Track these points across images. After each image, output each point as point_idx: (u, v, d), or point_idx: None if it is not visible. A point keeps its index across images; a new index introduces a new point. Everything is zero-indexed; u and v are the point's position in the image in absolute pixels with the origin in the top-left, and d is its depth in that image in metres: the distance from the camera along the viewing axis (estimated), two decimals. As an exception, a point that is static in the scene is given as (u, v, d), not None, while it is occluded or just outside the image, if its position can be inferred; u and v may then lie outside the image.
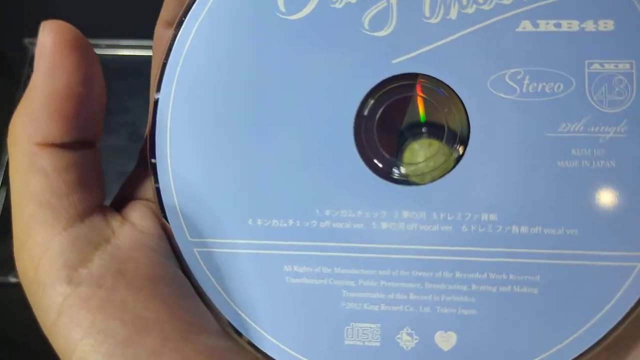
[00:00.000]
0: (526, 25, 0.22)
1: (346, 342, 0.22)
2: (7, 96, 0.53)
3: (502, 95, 0.22)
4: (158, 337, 0.20)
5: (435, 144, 0.23)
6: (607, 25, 0.22)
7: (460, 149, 0.22)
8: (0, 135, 0.53)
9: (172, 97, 0.23)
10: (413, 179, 0.23)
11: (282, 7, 0.23)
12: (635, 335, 0.21)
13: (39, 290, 0.20)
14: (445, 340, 0.21)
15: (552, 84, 0.22)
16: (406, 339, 0.21)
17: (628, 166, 0.21)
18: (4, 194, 0.49)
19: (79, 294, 0.19)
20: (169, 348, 0.19)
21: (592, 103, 0.21)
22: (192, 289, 0.22)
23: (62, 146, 0.20)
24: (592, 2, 0.22)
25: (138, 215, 0.22)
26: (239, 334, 0.22)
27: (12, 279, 0.48)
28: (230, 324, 0.22)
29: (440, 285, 0.21)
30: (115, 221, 0.21)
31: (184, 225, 0.22)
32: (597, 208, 0.21)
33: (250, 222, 0.22)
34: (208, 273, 0.22)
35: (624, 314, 0.21)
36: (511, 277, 0.21)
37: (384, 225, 0.22)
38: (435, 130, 0.23)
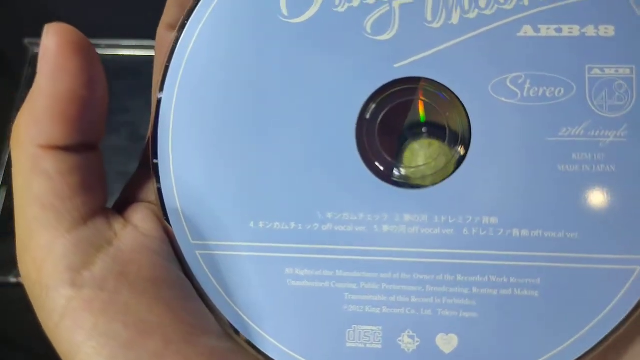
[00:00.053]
0: (527, 30, 0.22)
1: (348, 345, 0.22)
2: (7, 96, 0.53)
3: (503, 99, 0.22)
4: (160, 339, 0.20)
5: (435, 144, 0.24)
6: (608, 30, 0.22)
7: (461, 150, 0.23)
8: (0, 135, 0.54)
9: (174, 100, 0.23)
10: (414, 182, 0.23)
11: (284, 11, 0.23)
12: (633, 334, 0.21)
13: (42, 292, 0.20)
14: (447, 342, 0.21)
15: (552, 88, 0.22)
16: (407, 342, 0.22)
17: (628, 170, 0.21)
18: (4, 194, 0.49)
19: (82, 297, 0.20)
20: (171, 351, 0.20)
21: (593, 108, 0.22)
22: (194, 291, 0.22)
23: (66, 149, 0.21)
24: (593, 7, 0.22)
25: (140, 217, 0.22)
26: (241, 336, 0.22)
27: (12, 279, 0.48)
28: (232, 326, 0.22)
29: (441, 288, 0.22)
30: (117, 224, 0.21)
31: (186, 228, 0.22)
32: (597, 212, 0.21)
33: (252, 224, 0.22)
34: (210, 275, 0.22)
35: (623, 316, 0.21)
36: (512, 280, 0.21)
37: (386, 228, 0.22)
38: (437, 131, 0.23)
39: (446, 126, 0.23)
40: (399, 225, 0.22)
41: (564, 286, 0.21)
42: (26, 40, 0.56)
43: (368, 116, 0.23)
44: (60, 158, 0.20)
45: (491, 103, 0.22)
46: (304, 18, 0.23)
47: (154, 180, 0.23)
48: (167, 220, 0.22)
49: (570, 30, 0.22)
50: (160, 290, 0.21)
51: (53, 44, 0.20)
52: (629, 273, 0.21)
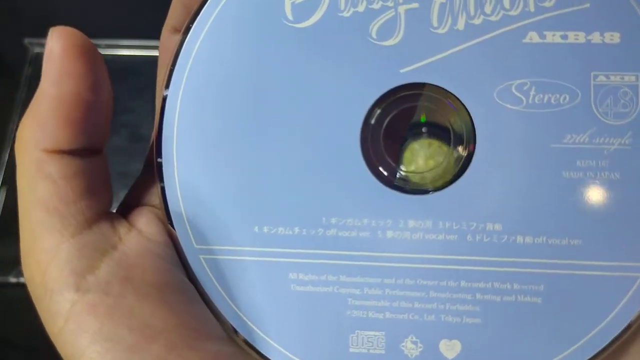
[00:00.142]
0: (533, 37, 0.22)
1: (351, 350, 0.22)
2: (7, 96, 0.53)
3: (508, 105, 0.22)
4: (164, 344, 0.20)
5: (435, 144, 0.24)
6: (614, 37, 0.22)
7: (460, 149, 0.23)
8: (0, 135, 0.54)
9: (178, 104, 0.23)
10: (413, 181, 0.23)
11: (289, 15, 0.23)
12: (636, 341, 0.21)
13: (46, 296, 0.20)
14: (450, 348, 0.21)
15: (557, 95, 0.22)
16: (411, 347, 0.22)
17: (632, 178, 0.21)
18: (4, 194, 0.49)
19: (87, 301, 0.19)
20: (175, 355, 0.20)
21: (598, 115, 0.22)
22: (198, 296, 0.22)
23: (70, 153, 0.21)
24: (598, 14, 0.22)
25: (144, 221, 0.22)
26: (244, 340, 0.22)
27: (12, 279, 0.48)
28: (235, 330, 0.22)
29: (445, 294, 0.22)
30: (122, 228, 0.21)
31: (190, 232, 0.22)
32: (601, 219, 0.21)
33: (256, 229, 0.22)
34: (214, 280, 0.22)
35: (627, 323, 0.21)
36: (515, 286, 0.21)
37: (390, 234, 0.22)
38: (441, 133, 0.24)
39: (450, 128, 0.23)
40: (403, 231, 0.22)
41: (567, 293, 0.21)
42: (26, 40, 0.56)
43: (373, 121, 0.23)
44: (65, 162, 0.20)
45: (496, 109, 0.22)
46: (309, 23, 0.23)
47: (158, 185, 0.23)
48: (171, 224, 0.22)
49: (576, 36, 0.22)
50: (164, 295, 0.20)
51: (58, 48, 0.20)
52: (632, 280, 0.21)
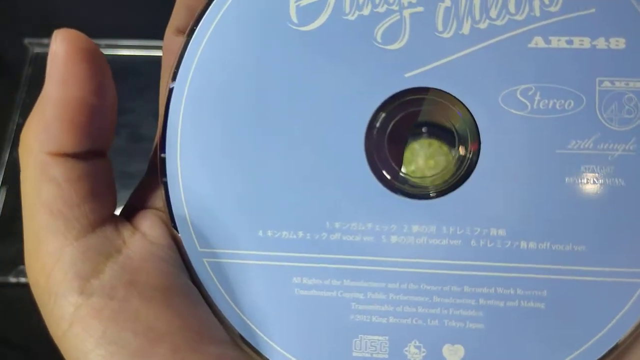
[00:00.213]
0: (538, 42, 0.22)
1: (354, 354, 0.22)
2: (7, 96, 0.53)
3: (513, 111, 0.22)
4: (169, 347, 0.20)
5: (435, 144, 0.24)
6: (619, 43, 0.22)
7: (462, 150, 0.23)
8: (0, 135, 0.54)
9: (182, 106, 0.23)
10: (414, 181, 0.23)
11: (294, 18, 0.23)
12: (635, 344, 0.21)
13: (51, 299, 0.20)
14: (453, 353, 0.21)
15: (562, 100, 0.22)
16: (414, 352, 0.22)
17: (636, 184, 0.21)
18: (4, 194, 0.49)
19: (91, 305, 0.19)
20: (179, 358, 0.20)
21: (602, 121, 0.22)
22: (202, 299, 0.22)
23: (74, 156, 0.20)
24: (604, 19, 0.22)
25: (148, 224, 0.22)
26: (248, 344, 0.22)
27: (12, 279, 0.48)
28: (238, 333, 0.22)
29: (448, 299, 0.22)
30: (126, 231, 0.21)
31: (193, 236, 0.22)
32: (605, 225, 0.21)
33: (260, 233, 0.22)
34: (217, 283, 0.22)
35: (630, 328, 0.21)
36: (519, 291, 0.21)
37: (394, 238, 0.22)
38: (441, 134, 0.24)
39: (453, 130, 0.23)
40: (407, 235, 0.22)
41: (570, 298, 0.21)
42: (26, 40, 0.55)
43: (377, 126, 0.23)
44: (69, 165, 0.20)
45: (501, 115, 0.22)
46: (314, 26, 0.23)
47: (162, 188, 0.23)
48: (175, 227, 0.22)
49: (581, 42, 0.22)
50: (168, 298, 0.20)
51: (62, 51, 0.20)
52: (635, 286, 0.21)
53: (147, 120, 0.53)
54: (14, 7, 0.56)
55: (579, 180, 0.21)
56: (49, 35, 0.58)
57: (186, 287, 0.21)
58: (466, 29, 0.22)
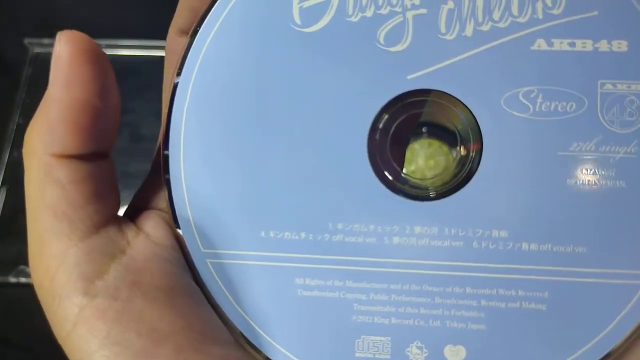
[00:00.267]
0: (541, 44, 0.22)
1: (357, 355, 0.22)
2: (7, 96, 0.53)
3: (515, 113, 0.22)
4: (172, 348, 0.20)
5: (435, 144, 0.24)
6: (621, 45, 0.22)
7: (462, 150, 0.23)
8: (0, 135, 0.54)
9: (185, 107, 0.23)
10: (416, 183, 0.23)
11: (297, 20, 0.23)
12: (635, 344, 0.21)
13: (55, 301, 0.20)
14: (455, 354, 0.22)
15: (564, 103, 0.22)
16: (416, 352, 0.22)
17: (638, 186, 0.21)
18: (4, 194, 0.49)
19: (95, 306, 0.20)
20: (182, 359, 0.20)
21: (604, 123, 0.22)
22: (205, 299, 0.22)
23: (79, 157, 0.21)
24: (606, 22, 0.22)
25: (152, 225, 0.22)
26: (251, 344, 0.22)
27: (12, 279, 0.48)
28: (242, 334, 0.22)
29: (450, 300, 0.22)
30: (130, 232, 0.21)
31: (196, 236, 0.22)
32: (606, 227, 0.21)
33: (262, 234, 0.22)
34: (220, 284, 0.22)
35: (630, 329, 0.21)
36: (520, 293, 0.21)
37: (396, 240, 0.22)
38: (442, 134, 0.24)
39: (456, 132, 0.23)
40: (409, 237, 0.22)
41: (571, 300, 0.21)
42: (26, 40, 0.55)
43: (380, 127, 0.23)
44: (73, 167, 0.20)
45: (503, 117, 0.22)
46: (316, 27, 0.23)
47: (165, 189, 0.23)
48: (178, 228, 0.22)
49: (584, 44, 0.22)
50: (172, 299, 0.21)
51: (65, 52, 0.20)
52: (636, 288, 0.21)
53: (147, 120, 0.53)
54: (14, 7, 0.56)
55: (581, 182, 0.22)
56: (49, 35, 0.58)
57: (189, 288, 0.21)
58: (469, 31, 0.22)
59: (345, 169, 0.22)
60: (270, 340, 0.22)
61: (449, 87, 0.22)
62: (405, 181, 0.23)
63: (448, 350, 0.22)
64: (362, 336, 0.22)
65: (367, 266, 0.22)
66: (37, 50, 0.56)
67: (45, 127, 0.20)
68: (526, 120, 0.22)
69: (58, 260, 0.20)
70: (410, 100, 0.23)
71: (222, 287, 0.22)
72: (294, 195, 0.22)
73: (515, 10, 0.22)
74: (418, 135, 0.24)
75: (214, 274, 0.22)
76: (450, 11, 0.22)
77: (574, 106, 0.22)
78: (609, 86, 0.22)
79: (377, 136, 0.23)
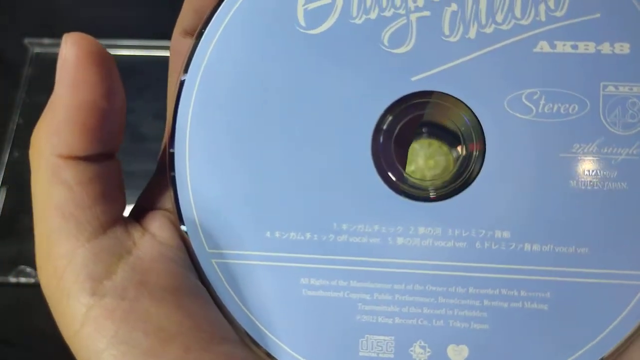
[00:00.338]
0: (544, 46, 0.22)
1: (361, 354, 0.22)
2: (7, 96, 0.53)
3: (518, 115, 0.22)
4: (180, 347, 0.20)
5: (435, 144, 0.24)
6: (623, 48, 0.22)
7: (460, 149, 0.23)
8: (0, 135, 0.54)
9: (191, 108, 0.23)
10: (420, 184, 0.23)
11: (302, 22, 0.23)
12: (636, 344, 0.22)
13: (63, 300, 0.20)
14: (458, 353, 0.22)
15: (567, 105, 0.22)
16: (419, 352, 0.22)
17: (639, 187, 0.22)
18: (4, 194, 0.49)
19: (103, 306, 0.20)
20: (191, 358, 0.20)
21: (606, 125, 0.22)
22: (211, 299, 0.22)
23: (85, 159, 0.21)
24: (609, 24, 0.22)
25: (158, 225, 0.22)
26: (256, 343, 0.22)
27: (12, 279, 0.48)
28: (247, 333, 0.22)
29: (453, 300, 0.22)
30: (136, 232, 0.22)
31: (202, 237, 0.22)
32: (608, 228, 0.22)
33: (268, 234, 0.22)
34: (226, 284, 0.22)
35: (631, 329, 0.21)
36: (522, 293, 0.22)
37: (400, 240, 0.22)
38: (443, 134, 0.24)
39: (459, 133, 0.23)
40: (413, 237, 0.22)
41: (573, 300, 0.21)
42: (26, 40, 0.55)
43: (384, 129, 0.23)
44: (80, 168, 0.20)
45: (506, 118, 0.22)
46: (321, 29, 0.23)
47: (171, 189, 0.23)
48: (184, 228, 0.22)
49: (586, 47, 0.22)
50: (178, 298, 0.21)
51: (72, 55, 0.20)
52: (637, 288, 0.21)
53: (147, 119, 0.53)
54: (14, 7, 0.56)
55: (583, 184, 0.22)
56: (49, 35, 0.58)
57: (196, 288, 0.22)
58: (472, 33, 0.22)
59: (350, 170, 0.22)
60: (275, 339, 0.22)
61: (452, 89, 0.22)
62: (409, 183, 0.23)
63: (451, 350, 0.22)
64: (366, 335, 0.22)
65: (371, 266, 0.22)
66: (37, 50, 0.56)
67: (52, 128, 0.20)
68: (529, 121, 0.22)
69: (66, 261, 0.20)
70: (414, 101, 0.23)
71: (228, 286, 0.22)
72: (299, 195, 0.22)
73: (518, 12, 0.22)
74: (418, 136, 0.24)
75: (220, 274, 0.22)
76: (454, 13, 0.22)
77: (577, 108, 0.22)
78: (611, 88, 0.22)
79: (382, 137, 0.23)
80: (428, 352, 0.22)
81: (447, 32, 0.22)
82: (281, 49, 0.23)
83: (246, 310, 0.22)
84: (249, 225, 0.22)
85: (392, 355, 0.22)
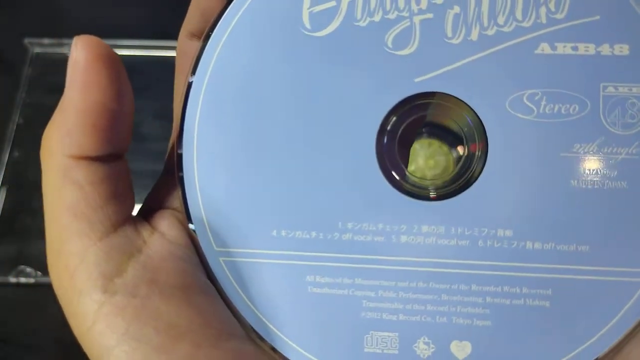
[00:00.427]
0: (545, 48, 0.22)
1: (366, 350, 0.22)
2: (7, 96, 0.53)
3: (519, 115, 0.22)
4: (190, 343, 0.20)
5: (435, 143, 0.24)
6: (623, 49, 0.22)
7: (460, 149, 0.23)
8: (0, 135, 0.54)
9: (199, 108, 0.23)
10: (422, 183, 0.23)
11: (307, 24, 0.23)
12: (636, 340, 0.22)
13: (74, 298, 0.20)
14: (461, 349, 0.22)
15: (567, 105, 0.22)
16: (423, 348, 0.22)
17: (638, 186, 0.22)
18: (4, 194, 0.49)
19: (115, 303, 0.20)
20: (201, 354, 0.20)
21: (606, 125, 0.22)
22: (219, 296, 0.22)
23: (96, 159, 0.21)
24: (608, 26, 0.22)
25: (166, 224, 0.22)
26: (263, 340, 0.22)
27: (12, 279, 0.48)
28: (254, 330, 0.22)
29: (456, 297, 0.22)
30: (145, 231, 0.22)
31: (210, 235, 0.23)
32: (608, 226, 0.22)
33: (274, 233, 0.23)
34: (233, 281, 0.22)
35: (631, 325, 0.22)
36: (524, 290, 0.22)
37: (404, 238, 0.22)
38: (443, 134, 0.24)
39: (462, 133, 0.24)
40: (417, 236, 0.22)
41: (574, 297, 0.22)
42: (26, 40, 0.55)
43: (388, 129, 0.23)
44: (91, 168, 0.21)
45: (508, 119, 0.22)
46: (326, 32, 0.23)
47: (179, 189, 0.23)
48: (192, 227, 0.23)
49: (586, 48, 0.22)
50: (188, 296, 0.21)
51: (82, 58, 0.21)
52: (637, 285, 0.22)
53: (147, 119, 0.53)
54: (14, 7, 0.56)
55: (583, 183, 0.22)
56: (49, 35, 0.58)
57: (205, 286, 0.22)
58: (474, 35, 0.23)
59: (355, 170, 0.23)
60: (281, 335, 0.22)
61: (455, 90, 0.23)
62: (412, 182, 0.23)
63: (454, 346, 0.22)
64: (371, 332, 0.22)
65: (376, 264, 0.22)
66: (37, 50, 0.56)
67: (64, 129, 0.21)
68: (530, 122, 0.22)
69: (78, 259, 0.20)
70: (417, 102, 0.23)
71: (235, 284, 0.22)
72: (305, 195, 0.23)
73: (519, 15, 0.23)
74: (418, 135, 0.24)
75: (227, 272, 0.23)
76: (456, 16, 0.23)
77: (577, 108, 0.22)
78: (611, 89, 0.22)
79: (386, 137, 0.23)
80: (432, 348, 0.22)
81: (449, 34, 0.23)
82: (287, 52, 0.23)
83: (253, 307, 0.22)
84: (255, 224, 0.23)
85: (396, 351, 0.22)
